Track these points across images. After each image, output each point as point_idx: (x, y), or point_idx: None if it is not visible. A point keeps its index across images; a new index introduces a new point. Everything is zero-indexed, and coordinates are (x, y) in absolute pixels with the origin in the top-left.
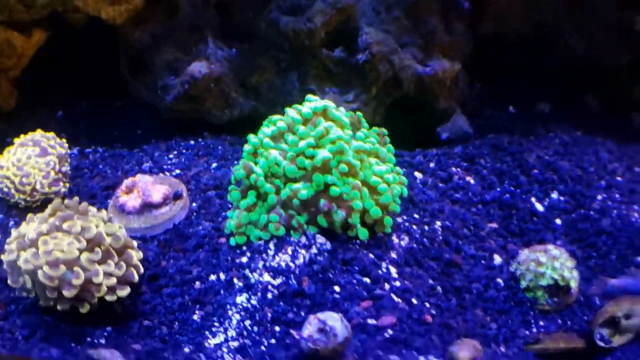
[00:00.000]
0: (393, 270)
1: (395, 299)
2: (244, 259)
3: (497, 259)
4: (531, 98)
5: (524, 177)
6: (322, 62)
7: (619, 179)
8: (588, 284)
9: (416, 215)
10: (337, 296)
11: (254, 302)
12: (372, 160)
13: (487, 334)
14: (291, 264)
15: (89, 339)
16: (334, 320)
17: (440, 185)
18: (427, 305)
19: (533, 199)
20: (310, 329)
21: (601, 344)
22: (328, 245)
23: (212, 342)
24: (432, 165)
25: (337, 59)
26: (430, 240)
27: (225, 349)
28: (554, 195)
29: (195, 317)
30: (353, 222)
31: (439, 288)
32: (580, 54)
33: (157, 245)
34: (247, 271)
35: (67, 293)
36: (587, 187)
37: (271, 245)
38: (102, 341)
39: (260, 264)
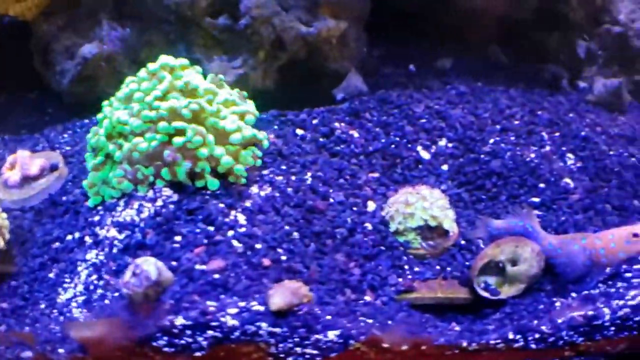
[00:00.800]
0: (242, 218)
1: (235, 244)
2: (97, 218)
3: (371, 206)
4: (433, 55)
5: (409, 127)
6: (207, 31)
7: (516, 122)
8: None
9: (284, 167)
10: (177, 245)
11: (101, 257)
12: (229, 110)
13: (348, 281)
14: (136, 218)
15: None
16: (149, 264)
17: (321, 140)
18: (280, 250)
19: (419, 148)
20: (127, 274)
21: (485, 294)
22: (175, 197)
23: (63, 297)
24: (315, 121)
25: (222, 27)
26: (295, 189)
27: (74, 304)
28: (442, 142)
29: (51, 274)
30: (200, 170)
31: (295, 234)
32: (479, 5)
33: (33, 214)
34: (97, 229)
35: None
36: (478, 132)
37: (121, 202)
38: None
39: (109, 220)
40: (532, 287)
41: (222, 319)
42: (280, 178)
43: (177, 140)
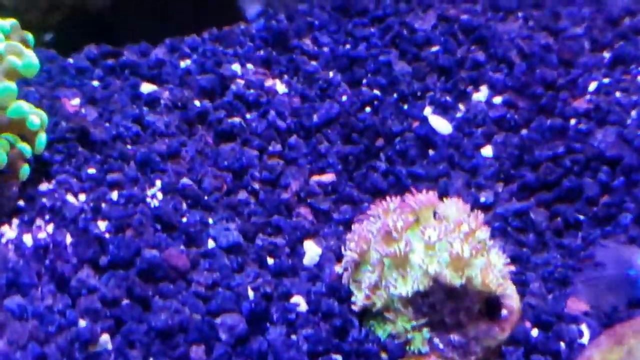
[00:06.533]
0: None
1: None
2: None
3: (312, 251)
4: None
5: (403, 66)
6: None
7: None
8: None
9: (92, 171)
10: None
11: None
12: None
13: None
14: None
15: None
16: None
17: (195, 103)
18: None
19: (427, 110)
20: None
21: None
22: None
23: None
24: (185, 64)
25: None
26: (115, 227)
27: None
28: (478, 94)
29: None
30: None
31: None
32: None
33: None
34: None
35: None
36: (564, 67)
37: None
38: None
39: None
40: None
41: None
42: (74, 200)
43: None
